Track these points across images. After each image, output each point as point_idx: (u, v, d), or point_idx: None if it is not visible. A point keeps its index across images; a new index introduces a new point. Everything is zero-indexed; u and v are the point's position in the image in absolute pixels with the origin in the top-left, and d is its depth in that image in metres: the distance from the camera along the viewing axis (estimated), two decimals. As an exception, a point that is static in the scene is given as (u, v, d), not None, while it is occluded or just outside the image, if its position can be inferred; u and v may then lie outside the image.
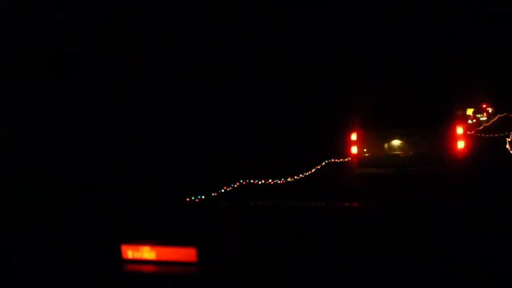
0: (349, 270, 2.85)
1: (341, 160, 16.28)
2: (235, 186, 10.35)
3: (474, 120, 41.47)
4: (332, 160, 16.59)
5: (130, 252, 3.14)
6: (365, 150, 11.28)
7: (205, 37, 16.41)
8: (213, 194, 8.97)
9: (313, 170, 14.26)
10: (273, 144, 16.84)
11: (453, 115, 11.36)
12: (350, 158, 12.12)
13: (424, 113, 11.02)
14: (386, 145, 11.04)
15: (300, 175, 12.96)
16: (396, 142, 11.01)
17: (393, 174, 10.59)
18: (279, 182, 11.65)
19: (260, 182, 11.18)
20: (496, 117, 53.69)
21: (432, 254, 2.92)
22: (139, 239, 3.13)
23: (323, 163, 15.80)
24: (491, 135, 29.02)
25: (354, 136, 11.47)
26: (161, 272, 3.10)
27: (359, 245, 3.04)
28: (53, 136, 10.85)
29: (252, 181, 11.06)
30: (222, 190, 9.57)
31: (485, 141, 25.21)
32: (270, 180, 11.42)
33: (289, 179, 12.13)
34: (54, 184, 8.74)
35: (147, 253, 3.14)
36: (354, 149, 11.45)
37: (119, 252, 3.13)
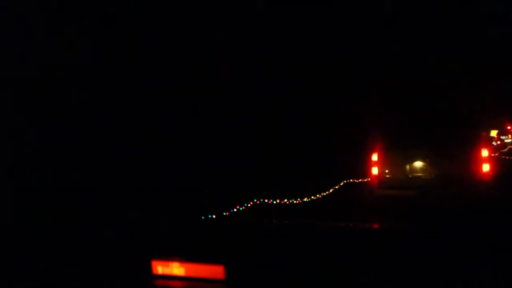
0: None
1: (360, 180, 16.28)
2: (248, 205, 10.16)
3: (499, 142, 41.37)
4: (351, 180, 16.36)
5: (160, 268, 3.30)
6: (386, 171, 11.31)
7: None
8: (224, 214, 8.83)
9: (331, 190, 13.97)
10: (290, 162, 16.83)
11: (478, 137, 11.39)
12: (370, 179, 12.13)
13: (448, 133, 11.05)
14: (408, 166, 11.07)
15: (317, 195, 12.70)
16: (418, 164, 11.04)
17: (415, 197, 10.60)
18: (294, 202, 11.43)
19: (274, 202, 10.91)
20: None
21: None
22: (169, 255, 3.31)
23: (342, 183, 15.58)
24: None
25: (375, 157, 11.49)
26: (190, 288, 3.28)
27: (382, 268, 3.17)
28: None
29: (266, 200, 10.80)
30: (235, 210, 9.43)
31: (510, 164, 25.20)
32: (285, 200, 11.19)
33: (305, 199, 11.93)
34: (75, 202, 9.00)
35: (176, 269, 3.29)
36: (374, 170, 11.46)
37: (149, 268, 3.31)
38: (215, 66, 16.26)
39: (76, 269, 3.44)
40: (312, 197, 12.30)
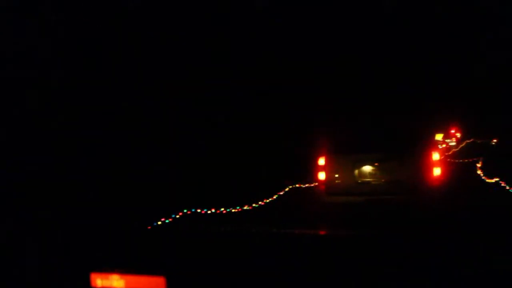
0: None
1: (306, 185, 16.11)
2: (177, 216, 9.60)
3: (444, 145, 42.65)
4: (297, 185, 16.19)
5: (99, 281, 3.37)
6: (334, 176, 11.33)
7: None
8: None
9: (274, 197, 13.73)
10: (230, 168, 16.67)
11: (428, 140, 11.56)
12: (317, 184, 12.13)
13: (397, 137, 11.17)
14: (356, 171, 11.11)
15: (260, 203, 12.44)
16: (367, 168, 11.09)
17: (364, 203, 10.71)
18: (233, 210, 11.14)
19: (209, 212, 10.47)
20: (464, 143, 56.24)
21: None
22: (108, 268, 3.38)
23: (287, 189, 15.37)
24: (462, 161, 30.17)
25: (322, 161, 11.46)
26: (129, 302, 3.36)
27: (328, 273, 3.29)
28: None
29: (199, 210, 10.30)
30: (159, 222, 8.87)
31: (457, 167, 26.09)
32: (222, 209, 10.81)
33: (246, 207, 11.60)
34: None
35: (116, 281, 3.34)
36: (321, 175, 11.43)
37: (88, 281, 3.38)
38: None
39: (13, 281, 3.49)
40: (254, 205, 12.06)
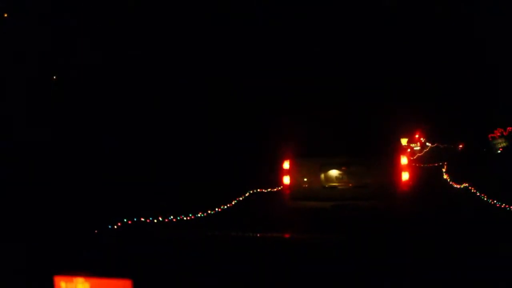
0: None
1: (269, 190, 15.96)
2: (114, 227, 8.63)
3: (409, 150, 43.61)
4: (259, 190, 16.04)
5: (63, 284, 3.36)
6: (299, 180, 11.37)
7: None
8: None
9: (233, 203, 13.44)
10: (183, 172, 16.30)
11: (396, 144, 11.67)
12: (281, 189, 12.16)
13: (364, 141, 11.26)
14: (322, 176, 11.16)
15: (216, 209, 12.09)
16: (334, 172, 11.15)
17: (330, 209, 10.77)
18: (185, 218, 10.64)
19: (155, 221, 9.65)
20: (428, 148, 57.93)
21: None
22: (72, 270, 3.38)
23: (247, 194, 15.16)
24: (428, 165, 30.88)
25: (286, 164, 11.49)
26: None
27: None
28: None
29: (142, 219, 9.47)
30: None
31: (423, 171, 26.66)
32: (171, 217, 10.15)
33: (199, 215, 11.15)
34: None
35: (81, 284, 3.35)
36: (286, 179, 11.46)
37: (52, 284, 3.37)
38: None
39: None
40: (209, 211, 11.66)
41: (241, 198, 14.39)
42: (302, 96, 21.68)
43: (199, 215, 11.22)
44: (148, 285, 3.36)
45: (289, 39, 23.30)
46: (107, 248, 3.95)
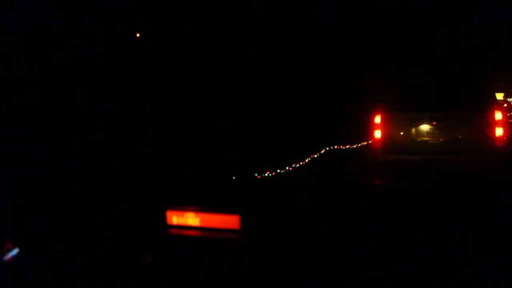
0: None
1: (348, 146, 15.49)
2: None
3: (506, 105, 42.09)
4: (336, 147, 15.17)
5: (175, 218, 3.64)
6: (390, 134, 11.39)
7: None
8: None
9: (306, 161, 12.37)
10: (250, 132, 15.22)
11: (490, 98, 11.49)
12: (372, 143, 12.19)
13: (457, 95, 11.15)
14: (413, 130, 11.18)
15: (287, 167, 10.85)
16: (425, 127, 11.13)
17: (421, 162, 10.78)
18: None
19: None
20: None
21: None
22: (184, 206, 3.66)
23: (322, 151, 14.16)
24: None
25: (378, 119, 11.55)
26: (204, 238, 3.64)
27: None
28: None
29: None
30: None
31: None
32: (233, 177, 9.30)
33: (268, 174, 10.17)
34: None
35: (191, 219, 3.61)
36: (377, 133, 11.52)
37: (164, 218, 3.66)
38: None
39: (94, 219, 3.79)
40: (279, 170, 10.29)
41: (315, 156, 13.43)
42: (392, 47, 21.40)
43: (267, 174, 10.59)
44: (256, 221, 3.54)
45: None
46: (217, 185, 4.17)
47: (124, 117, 12.79)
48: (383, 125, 11.47)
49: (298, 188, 4.28)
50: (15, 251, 3.59)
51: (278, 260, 3.39)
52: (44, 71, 12.47)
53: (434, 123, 11.10)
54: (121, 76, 13.98)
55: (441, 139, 11.01)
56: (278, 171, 9.99)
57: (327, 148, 14.70)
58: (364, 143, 14.79)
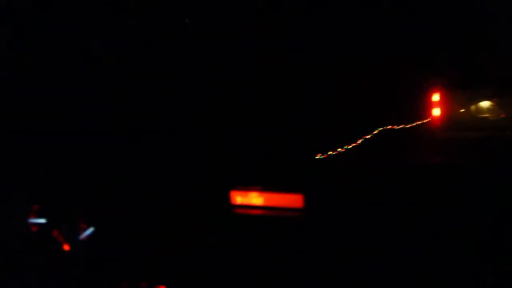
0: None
1: (402, 126, 15.25)
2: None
3: None
4: (389, 127, 15.01)
5: (239, 198, 3.72)
6: (449, 112, 11.28)
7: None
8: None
9: (359, 142, 12.35)
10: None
11: None
12: (430, 121, 12.10)
13: None
14: (473, 107, 11.05)
15: (337, 150, 11.03)
16: (485, 104, 10.99)
17: (482, 139, 10.62)
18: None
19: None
20: None
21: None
22: (247, 185, 3.74)
23: (375, 131, 13.96)
24: None
25: (436, 96, 11.47)
26: (268, 217, 3.70)
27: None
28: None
29: None
30: None
31: None
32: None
33: (318, 156, 10.16)
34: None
35: (255, 198, 3.69)
36: (436, 111, 11.46)
37: (228, 198, 3.74)
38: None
39: (162, 201, 3.88)
40: (330, 152, 10.67)
41: (368, 137, 13.36)
42: (449, 24, 21.03)
43: (318, 156, 10.53)
44: (320, 200, 3.59)
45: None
46: (281, 165, 4.20)
47: (185, 102, 12.92)
48: (442, 102, 11.31)
49: (361, 167, 4.27)
50: (90, 230, 3.71)
51: (340, 237, 3.42)
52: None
53: (494, 99, 10.89)
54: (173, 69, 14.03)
55: (501, 115, 10.79)
56: (330, 153, 10.08)
57: (381, 129, 14.30)
58: (418, 122, 14.59)
